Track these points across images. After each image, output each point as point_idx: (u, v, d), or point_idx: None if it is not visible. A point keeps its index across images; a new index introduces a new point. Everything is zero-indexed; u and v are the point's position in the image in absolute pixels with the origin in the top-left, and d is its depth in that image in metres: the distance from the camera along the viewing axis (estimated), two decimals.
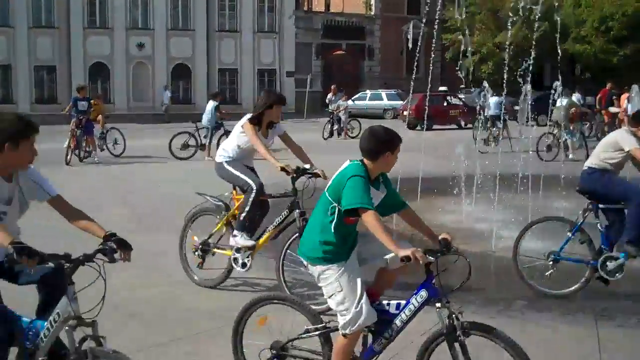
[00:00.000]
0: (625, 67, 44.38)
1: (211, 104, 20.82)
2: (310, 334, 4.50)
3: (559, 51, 12.92)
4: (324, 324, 4.47)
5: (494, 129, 22.26)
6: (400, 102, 40.88)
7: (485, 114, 22.91)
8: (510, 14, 11.83)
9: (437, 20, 12.83)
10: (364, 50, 55.61)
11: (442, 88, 43.12)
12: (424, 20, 12.67)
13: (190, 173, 16.57)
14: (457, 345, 4.13)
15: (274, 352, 4.65)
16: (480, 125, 20.57)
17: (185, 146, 20.01)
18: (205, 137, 20.29)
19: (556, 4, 13.27)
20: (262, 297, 4.82)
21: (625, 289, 7.79)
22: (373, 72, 55.48)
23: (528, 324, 6.07)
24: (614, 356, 5.36)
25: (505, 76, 10.91)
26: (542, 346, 5.59)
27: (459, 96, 33.37)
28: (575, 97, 24.44)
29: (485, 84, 18.99)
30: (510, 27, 12.81)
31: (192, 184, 14.67)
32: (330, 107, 28.43)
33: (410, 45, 36.05)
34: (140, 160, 19.42)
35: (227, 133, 20.06)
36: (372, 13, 55.95)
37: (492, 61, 44.45)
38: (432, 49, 15.66)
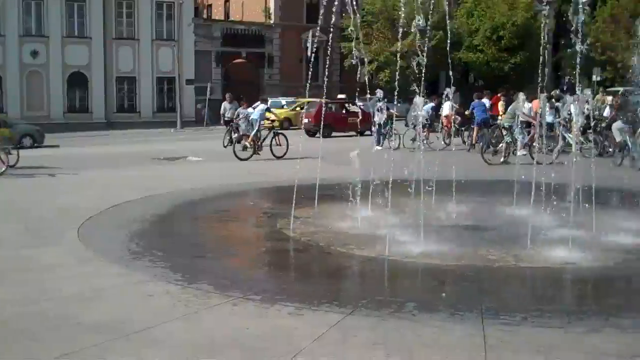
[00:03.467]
0: (515, 75, 46.03)
1: (262, 106, 23.25)
2: None
3: (449, 59, 13.22)
4: None
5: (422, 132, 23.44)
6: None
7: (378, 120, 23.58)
8: (403, 21, 12.08)
9: (331, 29, 12.95)
10: (264, 58, 55.73)
11: (340, 96, 43.63)
12: (318, 29, 12.87)
13: (86, 184, 16.26)
14: None
15: None
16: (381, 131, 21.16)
17: (245, 147, 22.08)
18: (251, 131, 22.44)
19: (447, 16, 13.64)
20: None
21: (510, 288, 8.11)
22: (273, 80, 55.63)
23: (418, 325, 6.21)
24: (499, 353, 5.55)
25: (396, 84, 11.12)
26: (431, 346, 5.75)
27: (358, 103, 33.81)
28: (449, 104, 25.54)
29: (379, 92, 19.38)
30: (400, 38, 13.07)
31: (86, 194, 14.44)
32: (226, 115, 28.29)
33: (309, 54, 36.28)
34: (34, 171, 18.87)
35: (277, 135, 22.68)
36: (272, 21, 56.13)
37: (390, 69, 45.27)
38: (328, 57, 15.80)
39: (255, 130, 22.43)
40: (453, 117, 25.60)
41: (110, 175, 17.91)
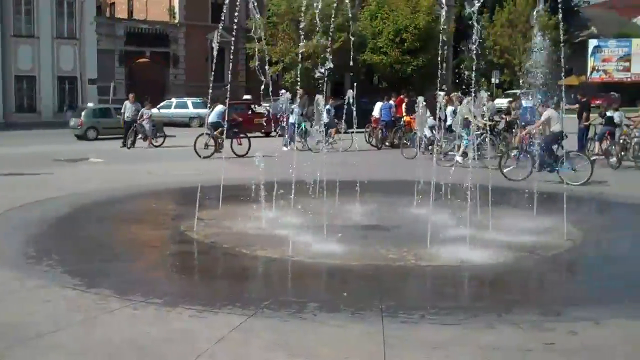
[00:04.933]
0: (418, 76, 46.93)
1: (220, 107, 23.06)
2: None
3: (352, 61, 13.37)
4: None
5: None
6: (207, 110, 40.77)
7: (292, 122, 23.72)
8: (303, 22, 12.17)
9: (234, 30, 12.95)
10: (169, 58, 55.04)
11: (246, 96, 43.52)
12: (221, 28, 12.87)
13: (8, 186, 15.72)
14: None
15: None
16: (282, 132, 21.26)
17: (206, 146, 22.34)
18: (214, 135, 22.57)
19: (351, 16, 13.81)
20: None
21: (410, 287, 8.30)
22: (178, 80, 55.00)
23: (320, 325, 6.31)
24: (398, 351, 5.69)
25: (298, 86, 11.21)
26: (332, 346, 5.84)
27: (264, 105, 33.85)
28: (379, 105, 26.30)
29: (285, 93, 19.47)
30: (303, 39, 13.16)
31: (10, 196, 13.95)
32: (126, 115, 27.66)
33: (215, 54, 36.18)
34: None
35: (236, 134, 22.48)
36: (177, 21, 55.44)
37: (295, 70, 45.40)
38: (231, 57, 15.75)
39: (218, 132, 22.42)
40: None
41: (8, 177, 17.31)
